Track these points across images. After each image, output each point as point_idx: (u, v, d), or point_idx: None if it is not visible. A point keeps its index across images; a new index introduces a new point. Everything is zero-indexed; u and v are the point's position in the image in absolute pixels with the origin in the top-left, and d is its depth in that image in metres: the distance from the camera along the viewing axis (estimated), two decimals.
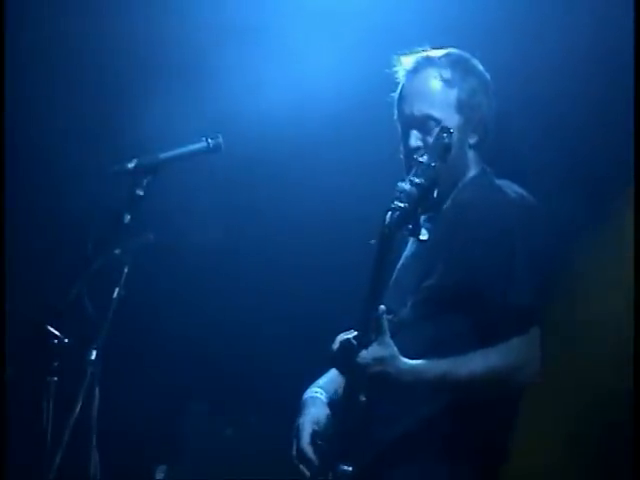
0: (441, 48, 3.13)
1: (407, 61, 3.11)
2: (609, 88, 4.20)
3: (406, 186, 2.67)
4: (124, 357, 4.32)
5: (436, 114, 3.01)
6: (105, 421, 3.08)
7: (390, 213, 2.67)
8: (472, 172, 3.11)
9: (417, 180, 2.67)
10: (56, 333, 3.27)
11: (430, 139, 2.96)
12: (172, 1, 4.66)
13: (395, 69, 3.13)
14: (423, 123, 3.02)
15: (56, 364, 3.22)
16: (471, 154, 3.09)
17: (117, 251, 3.15)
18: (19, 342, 3.82)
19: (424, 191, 2.67)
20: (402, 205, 2.66)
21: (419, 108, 3.03)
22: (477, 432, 2.91)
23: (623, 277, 4.08)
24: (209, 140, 3.25)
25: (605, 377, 4.32)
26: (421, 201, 2.68)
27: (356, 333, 2.79)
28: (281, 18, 4.57)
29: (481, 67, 3.14)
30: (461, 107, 3.03)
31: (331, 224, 4.59)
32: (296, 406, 4.15)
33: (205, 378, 4.93)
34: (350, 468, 2.82)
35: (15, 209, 4.36)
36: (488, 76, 3.13)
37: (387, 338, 2.77)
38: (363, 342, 2.76)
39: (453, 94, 3.04)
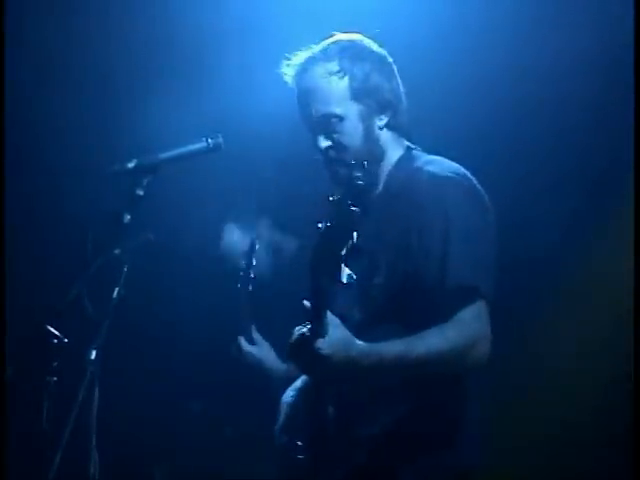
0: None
1: (292, 64, 3.09)
2: (609, 88, 4.20)
3: (322, 228, 2.67)
4: (124, 357, 4.32)
5: (334, 110, 3.00)
6: (105, 421, 3.07)
7: (313, 251, 2.69)
8: (395, 153, 3.07)
9: (329, 224, 2.66)
10: (56, 333, 3.27)
11: (336, 136, 2.98)
12: (172, 1, 4.66)
13: (284, 74, 3.12)
14: (325, 122, 3.02)
15: (56, 364, 3.22)
16: (386, 135, 3.06)
17: (117, 251, 3.14)
18: (19, 342, 3.82)
19: (341, 233, 2.65)
20: (323, 246, 2.66)
21: (316, 109, 3.03)
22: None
23: (623, 277, 4.08)
24: (209, 140, 3.24)
25: (603, 379, 4.33)
26: (339, 243, 2.64)
27: (309, 325, 2.76)
28: (281, 18, 4.57)
29: (375, 47, 3.09)
30: (357, 95, 3.00)
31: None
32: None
33: (205, 378, 4.93)
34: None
35: (15, 209, 4.36)
36: (384, 53, 3.09)
37: (339, 323, 2.75)
38: (318, 332, 2.73)
39: (344, 85, 3.01)
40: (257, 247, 4.10)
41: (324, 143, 3.02)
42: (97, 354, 3.04)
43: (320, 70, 3.02)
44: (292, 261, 4.32)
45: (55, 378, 3.22)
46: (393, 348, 2.80)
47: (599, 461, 4.26)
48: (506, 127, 4.43)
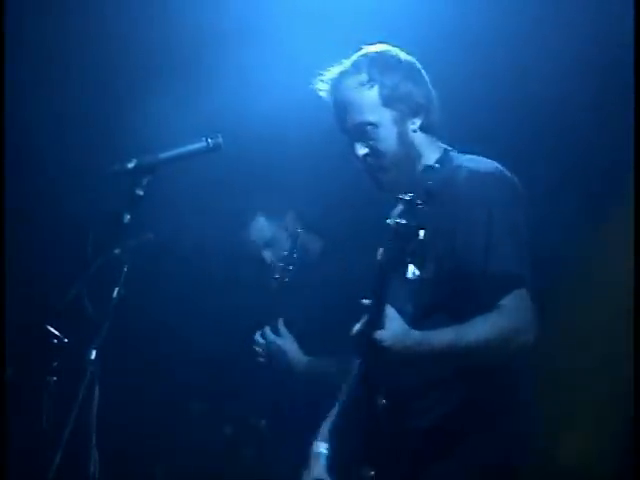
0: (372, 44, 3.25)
1: (326, 79, 3.25)
2: (609, 88, 4.20)
3: (392, 225, 2.82)
4: (124, 357, 4.32)
5: (367, 117, 3.16)
6: (105, 421, 3.07)
7: (381, 250, 2.85)
8: (432, 155, 3.20)
9: (402, 221, 2.81)
10: (56, 333, 3.28)
11: (372, 142, 3.15)
12: (172, 2, 4.66)
13: (318, 90, 3.27)
14: (361, 130, 3.17)
15: (56, 364, 3.22)
16: (421, 138, 3.20)
17: (117, 251, 3.15)
18: (19, 342, 3.82)
19: (410, 231, 2.81)
20: (390, 244, 2.82)
21: (351, 118, 3.18)
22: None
23: (622, 277, 4.08)
24: (209, 140, 3.25)
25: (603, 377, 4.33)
26: (408, 241, 2.81)
27: (368, 318, 2.91)
28: (280, 19, 4.57)
29: (403, 56, 3.24)
30: (387, 101, 3.16)
31: (331, 223, 4.59)
32: (296, 406, 4.18)
33: (205, 378, 4.93)
34: (373, 472, 2.92)
35: (15, 209, 4.36)
36: (412, 60, 3.25)
37: (397, 316, 2.89)
38: (378, 324, 2.87)
39: (374, 93, 3.16)
40: (299, 240, 4.21)
41: (362, 151, 3.18)
42: (97, 354, 3.04)
43: (351, 82, 3.19)
44: (317, 260, 4.34)
45: (55, 378, 3.23)
46: (444, 336, 2.93)
47: (602, 461, 4.26)
48: (506, 127, 4.43)
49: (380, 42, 3.29)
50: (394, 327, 2.87)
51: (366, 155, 3.18)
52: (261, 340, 4.16)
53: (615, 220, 4.29)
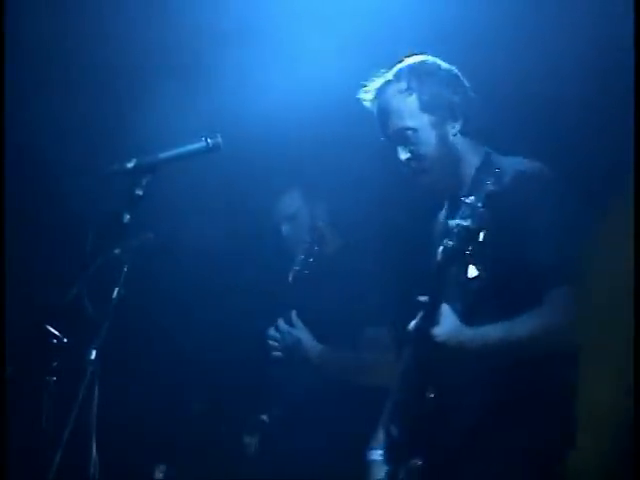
0: (414, 55, 3.42)
1: (369, 89, 3.41)
2: (608, 87, 4.20)
3: (454, 226, 2.97)
4: (124, 357, 4.32)
5: (407, 123, 3.31)
6: (105, 421, 3.08)
7: (441, 249, 3.00)
8: (475, 158, 3.33)
9: (464, 223, 2.96)
10: (56, 333, 3.28)
11: (413, 147, 3.29)
12: (171, 2, 4.66)
13: (362, 100, 3.43)
14: (402, 135, 3.31)
15: (55, 364, 3.23)
16: (462, 141, 3.34)
17: (117, 251, 3.15)
18: (19, 342, 3.82)
19: (471, 232, 2.96)
20: (451, 243, 2.97)
21: (393, 124, 3.33)
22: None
23: (623, 277, 4.08)
24: (208, 140, 3.25)
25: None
26: (468, 241, 2.96)
27: (424, 315, 3.07)
28: (280, 19, 4.57)
29: (441, 64, 3.42)
30: (426, 107, 3.32)
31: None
32: (296, 405, 4.18)
33: (205, 378, 4.93)
34: (420, 462, 3.07)
35: (15, 209, 4.36)
36: (451, 68, 3.41)
37: (451, 312, 3.05)
38: (433, 321, 3.03)
39: (413, 99, 3.32)
40: (322, 235, 4.31)
41: (404, 155, 3.31)
42: (97, 354, 3.04)
43: (392, 90, 3.35)
44: (334, 257, 4.36)
45: (55, 378, 3.23)
46: (495, 332, 3.07)
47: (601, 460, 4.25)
48: (506, 128, 4.43)
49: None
50: (448, 323, 3.03)
51: (408, 159, 3.30)
52: (276, 334, 4.19)
53: (615, 220, 4.29)
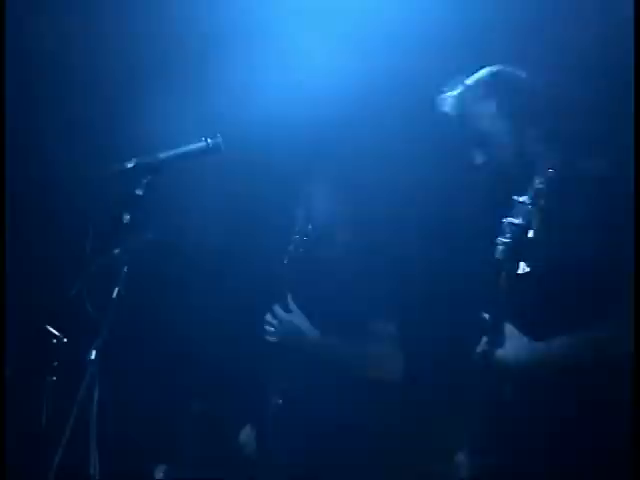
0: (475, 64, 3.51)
1: (449, 96, 3.47)
2: (608, 88, 4.19)
3: (507, 224, 3.07)
4: (124, 357, 4.32)
5: (485, 127, 3.38)
6: (105, 421, 3.07)
7: (498, 247, 3.07)
8: (547, 162, 3.35)
9: (516, 220, 3.06)
10: (56, 333, 3.28)
11: (489, 151, 3.36)
12: (172, 2, 4.66)
13: (441, 107, 3.48)
14: (479, 140, 3.39)
15: (55, 364, 3.22)
16: (536, 146, 3.37)
17: (116, 251, 3.15)
18: (19, 342, 3.82)
19: (522, 230, 3.05)
20: (505, 241, 3.06)
21: (471, 128, 3.40)
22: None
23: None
24: (209, 140, 3.25)
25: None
26: (520, 239, 3.04)
27: (485, 339, 3.11)
28: (281, 18, 4.56)
29: (519, 72, 3.48)
30: (504, 114, 3.37)
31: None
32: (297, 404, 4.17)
33: (205, 378, 4.93)
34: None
35: (15, 209, 4.36)
36: (521, 73, 3.47)
37: (517, 332, 3.09)
38: (497, 343, 3.09)
39: (492, 105, 3.39)
40: (313, 216, 4.26)
41: (480, 159, 3.38)
42: (97, 354, 3.04)
43: (470, 97, 3.42)
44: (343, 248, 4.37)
45: (55, 378, 3.22)
46: (562, 344, 3.11)
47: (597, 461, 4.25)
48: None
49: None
50: (515, 344, 3.08)
51: (483, 164, 3.37)
52: (272, 320, 4.18)
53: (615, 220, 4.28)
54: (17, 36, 4.54)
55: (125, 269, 3.13)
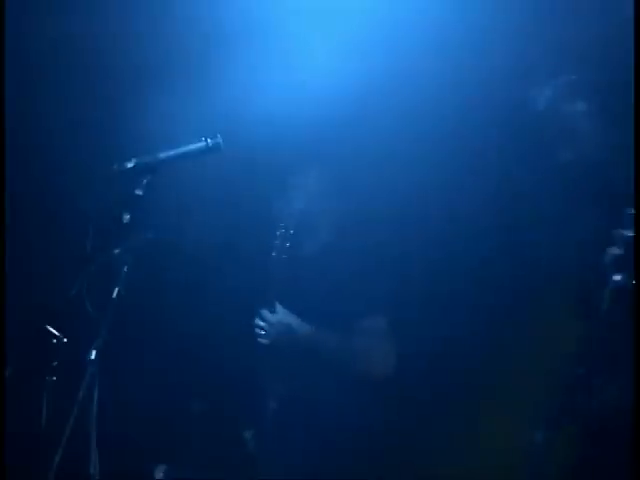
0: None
1: (538, 95, 3.63)
2: (608, 87, 4.19)
3: (619, 235, 3.14)
4: (124, 357, 4.32)
5: (569, 127, 3.52)
6: (105, 421, 3.07)
7: (608, 257, 3.16)
8: (627, 161, 3.45)
9: (629, 233, 3.13)
10: (56, 333, 3.28)
11: (574, 149, 3.49)
12: (172, 2, 4.66)
13: (533, 101, 3.63)
14: (564, 139, 3.52)
15: (55, 364, 3.22)
16: (619, 146, 3.49)
17: (116, 251, 3.15)
18: (19, 342, 3.82)
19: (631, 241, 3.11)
20: (618, 252, 3.14)
21: (556, 129, 3.54)
22: None
23: None
24: (208, 140, 3.25)
25: None
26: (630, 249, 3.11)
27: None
28: (282, 18, 4.56)
29: (609, 76, 3.63)
30: (588, 114, 3.52)
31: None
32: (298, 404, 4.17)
33: (205, 377, 4.93)
34: None
35: (15, 209, 4.36)
36: (616, 80, 3.61)
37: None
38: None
39: (577, 107, 3.54)
40: (296, 219, 4.30)
41: (564, 157, 3.51)
42: (97, 354, 3.04)
43: (555, 97, 3.57)
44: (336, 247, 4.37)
45: (55, 378, 3.22)
46: None
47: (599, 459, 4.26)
48: (506, 127, 4.43)
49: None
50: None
51: (569, 162, 3.47)
52: (261, 323, 4.19)
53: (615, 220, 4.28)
54: (17, 36, 4.54)
55: (125, 269, 3.13)
